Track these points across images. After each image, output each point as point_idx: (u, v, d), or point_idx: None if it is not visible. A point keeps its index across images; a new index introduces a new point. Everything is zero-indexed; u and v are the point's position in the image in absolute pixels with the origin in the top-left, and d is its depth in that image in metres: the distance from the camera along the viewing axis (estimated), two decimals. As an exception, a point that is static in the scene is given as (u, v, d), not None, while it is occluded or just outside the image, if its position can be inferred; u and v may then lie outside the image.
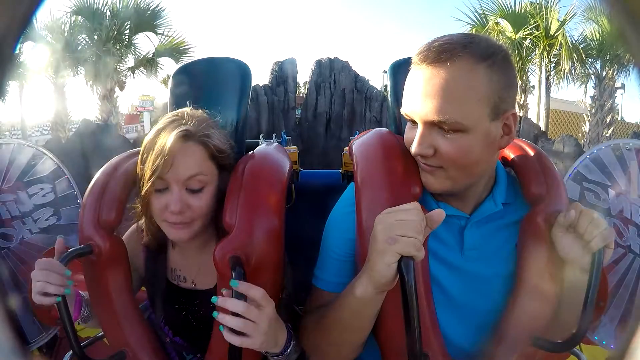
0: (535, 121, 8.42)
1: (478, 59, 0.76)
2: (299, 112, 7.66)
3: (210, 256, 0.94)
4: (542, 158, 0.95)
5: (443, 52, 0.76)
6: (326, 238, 0.95)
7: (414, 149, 0.81)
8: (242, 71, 1.22)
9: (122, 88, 8.42)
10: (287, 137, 1.97)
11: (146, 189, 0.90)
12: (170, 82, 1.24)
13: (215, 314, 0.75)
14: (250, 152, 1.05)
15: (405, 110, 0.83)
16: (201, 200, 0.92)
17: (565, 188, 0.92)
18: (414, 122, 0.82)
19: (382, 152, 0.92)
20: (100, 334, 1.15)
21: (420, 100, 0.78)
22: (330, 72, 7.67)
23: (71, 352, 1.08)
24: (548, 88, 8.90)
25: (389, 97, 1.16)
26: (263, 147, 1.13)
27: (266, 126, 7.12)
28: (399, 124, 1.14)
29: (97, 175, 1.04)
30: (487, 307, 0.90)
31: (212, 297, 0.77)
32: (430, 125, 0.78)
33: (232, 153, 1.01)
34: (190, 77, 1.24)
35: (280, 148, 1.17)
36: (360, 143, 0.99)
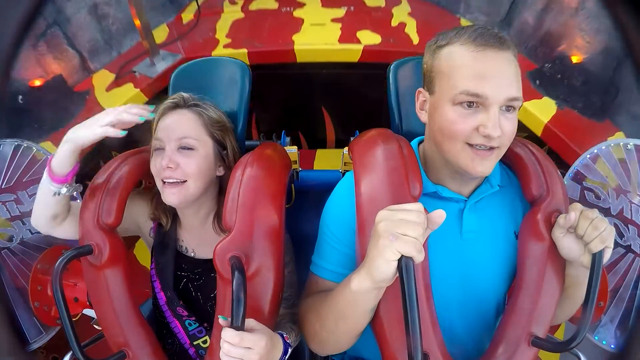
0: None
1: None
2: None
3: (209, 229, 1.09)
4: (542, 158, 0.95)
5: (500, 38, 0.82)
6: (323, 226, 0.95)
7: (493, 131, 0.79)
8: (242, 71, 1.22)
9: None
10: (287, 138, 1.97)
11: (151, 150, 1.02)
12: (170, 82, 1.24)
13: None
14: (250, 152, 1.05)
15: (476, 89, 0.79)
16: (190, 159, 0.99)
17: (565, 188, 0.92)
18: (469, 105, 0.81)
19: (382, 151, 0.92)
20: (100, 334, 1.15)
21: (496, 80, 0.79)
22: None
23: (71, 352, 1.08)
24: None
25: (389, 97, 1.16)
26: (263, 147, 1.13)
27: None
28: (399, 124, 1.14)
29: (97, 175, 1.04)
30: (486, 292, 0.90)
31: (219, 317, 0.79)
32: (501, 104, 0.80)
33: (230, 127, 1.10)
34: (190, 77, 1.24)
35: (280, 148, 1.16)
36: (361, 143, 0.99)
